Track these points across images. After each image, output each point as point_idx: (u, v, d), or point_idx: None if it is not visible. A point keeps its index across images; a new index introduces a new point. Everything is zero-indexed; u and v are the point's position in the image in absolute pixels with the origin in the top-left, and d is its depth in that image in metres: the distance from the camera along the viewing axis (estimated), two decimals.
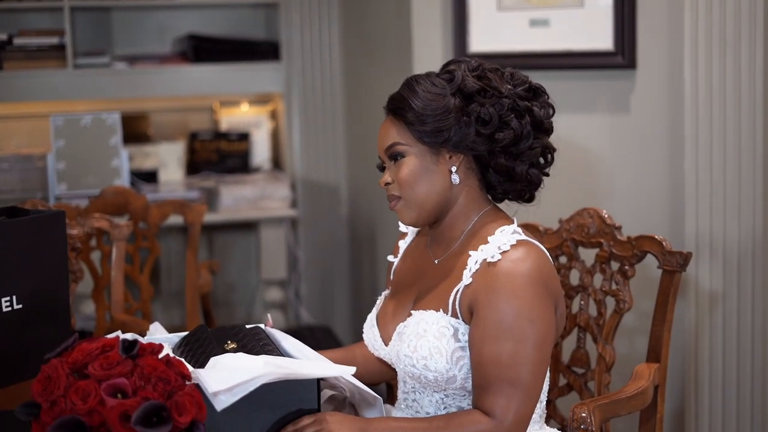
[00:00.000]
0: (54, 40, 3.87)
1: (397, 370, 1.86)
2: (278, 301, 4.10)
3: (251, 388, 1.53)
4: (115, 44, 4.17)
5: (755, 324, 2.62)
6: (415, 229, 1.96)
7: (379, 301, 1.95)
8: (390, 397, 2.08)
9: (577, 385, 2.17)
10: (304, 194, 4.14)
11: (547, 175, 1.83)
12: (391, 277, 1.96)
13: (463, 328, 1.73)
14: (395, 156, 1.78)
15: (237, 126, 4.26)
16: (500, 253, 1.71)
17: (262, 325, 1.85)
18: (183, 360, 1.53)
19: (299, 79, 4.09)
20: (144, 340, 1.51)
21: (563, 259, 2.22)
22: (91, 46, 4.11)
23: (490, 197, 1.84)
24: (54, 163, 3.62)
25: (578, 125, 2.82)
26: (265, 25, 4.29)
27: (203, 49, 4.06)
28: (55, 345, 1.48)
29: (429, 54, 3.05)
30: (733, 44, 2.55)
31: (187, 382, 1.45)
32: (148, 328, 1.94)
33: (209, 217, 3.84)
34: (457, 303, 1.74)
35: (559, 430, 1.91)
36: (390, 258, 1.99)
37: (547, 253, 1.76)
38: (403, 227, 1.96)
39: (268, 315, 1.95)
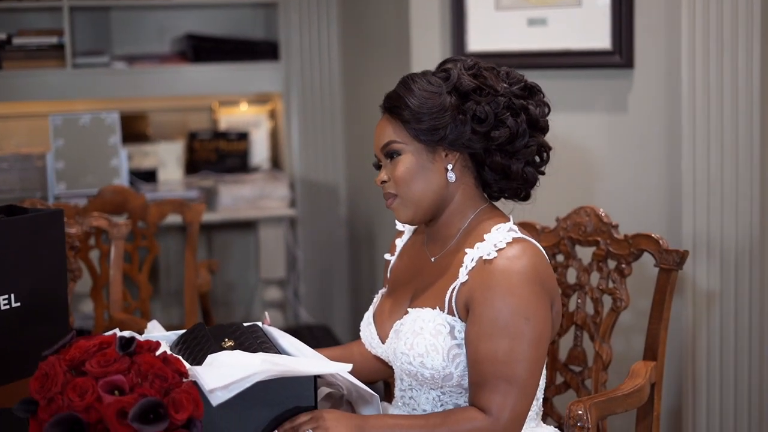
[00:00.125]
0: (53, 40, 3.87)
1: (393, 367, 1.86)
2: (277, 300, 4.11)
3: (248, 385, 1.54)
4: (115, 44, 4.17)
5: (752, 322, 2.63)
6: (412, 228, 1.97)
7: (376, 299, 1.96)
8: (387, 394, 2.09)
9: (574, 384, 2.18)
10: (303, 194, 4.14)
11: (543, 173, 1.84)
12: (388, 275, 1.97)
13: (459, 326, 1.74)
14: (391, 154, 1.79)
15: (236, 126, 4.26)
16: (496, 251, 1.72)
17: (259, 323, 1.86)
18: (180, 357, 1.54)
19: (298, 79, 4.10)
20: (142, 338, 1.52)
21: (560, 258, 2.22)
22: (91, 45, 4.11)
23: (486, 195, 1.85)
24: (53, 162, 3.62)
25: (576, 124, 2.82)
26: (264, 25, 4.29)
27: (202, 49, 4.06)
28: (53, 343, 1.49)
29: (427, 53, 3.05)
30: (730, 43, 2.56)
31: (184, 380, 1.46)
32: (146, 327, 1.94)
33: (208, 217, 3.84)
34: (453, 300, 1.74)
35: (556, 428, 1.91)
36: (387, 256, 1.99)
37: (543, 251, 1.77)
38: (399, 225, 1.97)
39: (266, 313, 1.96)
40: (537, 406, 1.84)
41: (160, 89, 4.04)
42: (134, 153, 4.02)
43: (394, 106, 1.77)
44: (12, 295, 1.80)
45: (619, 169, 2.79)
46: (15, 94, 3.90)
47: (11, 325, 1.80)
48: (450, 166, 1.78)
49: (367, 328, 1.92)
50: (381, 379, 2.02)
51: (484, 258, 1.72)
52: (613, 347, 2.14)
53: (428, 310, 1.76)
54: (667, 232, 2.66)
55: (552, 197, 2.59)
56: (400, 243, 1.98)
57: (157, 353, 1.47)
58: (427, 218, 1.82)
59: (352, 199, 4.13)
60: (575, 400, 1.83)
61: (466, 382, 1.74)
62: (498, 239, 1.73)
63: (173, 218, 3.18)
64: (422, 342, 1.74)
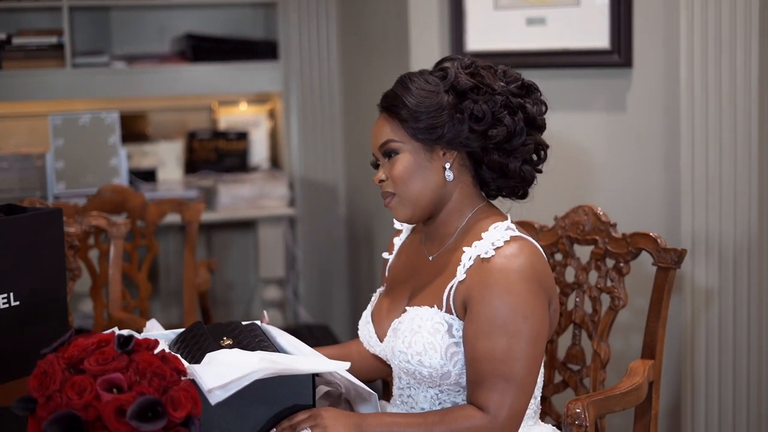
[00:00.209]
0: (53, 40, 3.88)
1: (392, 366, 1.86)
2: (276, 299, 4.11)
3: (246, 383, 1.54)
4: (114, 44, 4.18)
5: (751, 321, 2.63)
6: (410, 226, 1.97)
7: (374, 297, 1.96)
8: (386, 393, 2.09)
9: (572, 382, 2.18)
10: (303, 193, 4.15)
11: (540, 171, 1.84)
12: (386, 274, 1.97)
13: (457, 324, 1.74)
14: (389, 153, 1.79)
15: (235, 125, 4.27)
16: (494, 249, 1.72)
17: (258, 322, 1.86)
18: (179, 356, 1.54)
19: (297, 79, 4.10)
20: (140, 337, 1.52)
21: (558, 257, 2.23)
22: (90, 45, 4.12)
23: (483, 194, 1.85)
24: (53, 162, 3.63)
25: (575, 124, 2.83)
26: (263, 25, 4.30)
27: (202, 49, 4.06)
28: (52, 342, 1.49)
29: (426, 53, 3.06)
30: (728, 43, 2.56)
31: (183, 378, 1.46)
32: (145, 326, 1.94)
33: (208, 216, 3.85)
34: (451, 299, 1.75)
35: (554, 426, 1.92)
36: (385, 255, 2.00)
37: (541, 249, 1.77)
38: (397, 224, 1.98)
39: (265, 312, 1.96)
40: (535, 404, 1.85)
41: (159, 89, 4.04)
42: (134, 153, 4.03)
43: (391, 105, 1.78)
44: (11, 294, 1.81)
45: (618, 169, 2.79)
46: (15, 94, 3.90)
47: (10, 324, 1.81)
48: (448, 165, 1.78)
49: (365, 326, 1.92)
50: (379, 377, 2.02)
51: (481, 256, 1.72)
52: (611, 346, 2.14)
53: (426, 308, 1.76)
54: (666, 231, 2.67)
55: (551, 196, 2.59)
56: (398, 242, 1.98)
57: (156, 351, 1.47)
58: (425, 217, 1.82)
59: (352, 198, 4.14)
60: (573, 398, 1.83)
61: (464, 381, 1.75)
62: (496, 238, 1.74)
63: (173, 218, 3.18)
64: (420, 340, 1.74)
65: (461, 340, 1.73)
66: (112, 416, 1.37)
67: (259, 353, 1.63)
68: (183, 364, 1.48)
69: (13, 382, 1.83)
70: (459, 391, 1.77)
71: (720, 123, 2.59)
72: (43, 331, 1.84)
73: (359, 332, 1.95)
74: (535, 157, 1.83)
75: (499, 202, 1.88)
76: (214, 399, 1.53)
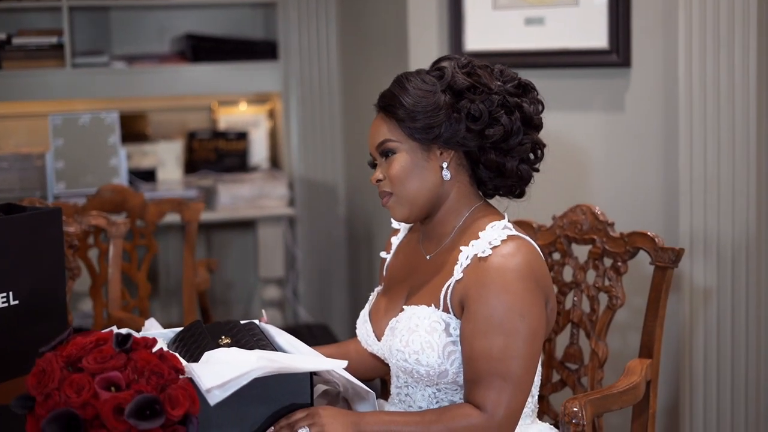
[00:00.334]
0: (53, 40, 3.88)
1: (389, 365, 1.87)
2: (276, 299, 4.12)
3: (244, 382, 1.55)
4: (114, 44, 4.18)
5: (749, 320, 2.64)
6: (408, 226, 1.98)
7: (372, 296, 1.97)
8: (384, 392, 2.09)
9: (570, 381, 2.18)
10: (302, 193, 4.15)
11: (537, 170, 1.85)
12: (384, 273, 1.98)
13: (454, 323, 1.75)
14: (386, 153, 1.79)
15: (235, 125, 4.28)
16: (491, 249, 1.73)
17: (256, 321, 1.86)
18: (177, 354, 1.54)
19: (297, 79, 4.11)
20: (139, 336, 1.53)
21: (556, 256, 2.23)
22: (90, 45, 4.12)
23: (480, 193, 1.86)
24: (53, 162, 3.63)
25: (573, 123, 2.83)
26: (263, 25, 4.30)
27: (201, 49, 4.07)
28: (51, 341, 1.49)
29: (425, 53, 3.06)
30: (726, 43, 2.56)
31: (181, 376, 1.47)
32: (143, 325, 1.95)
33: (207, 216, 3.86)
34: (448, 298, 1.75)
35: (552, 425, 1.92)
36: (382, 254, 2.00)
37: (538, 248, 1.78)
38: (395, 224, 1.98)
39: (263, 311, 1.97)
40: (533, 403, 1.85)
41: (159, 89, 4.05)
42: (133, 152, 4.03)
43: (388, 104, 1.78)
44: (10, 293, 1.81)
45: (617, 168, 2.80)
46: (15, 94, 3.91)
47: (9, 323, 1.81)
48: (445, 165, 1.78)
49: (363, 325, 1.93)
50: (377, 376, 2.03)
51: (479, 255, 1.73)
52: (609, 345, 2.15)
53: (423, 307, 1.77)
54: (665, 230, 2.67)
55: (550, 196, 2.60)
56: (395, 241, 1.99)
57: (154, 350, 1.48)
58: (423, 216, 1.83)
59: (351, 198, 4.14)
60: (571, 397, 1.83)
61: (461, 379, 1.75)
62: (493, 237, 1.74)
63: (172, 217, 3.19)
64: (417, 339, 1.74)
65: (458, 338, 1.74)
66: (110, 414, 1.38)
67: (257, 352, 1.63)
68: (181, 363, 1.49)
69: (12, 381, 1.83)
70: (456, 389, 1.78)
71: (718, 122, 2.60)
72: (42, 330, 1.84)
73: (357, 331, 1.95)
74: (532, 156, 1.83)
75: (497, 201, 1.89)
76: (213, 399, 1.54)
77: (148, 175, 4.02)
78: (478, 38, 2.96)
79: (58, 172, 3.63)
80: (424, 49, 3.09)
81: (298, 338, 1.79)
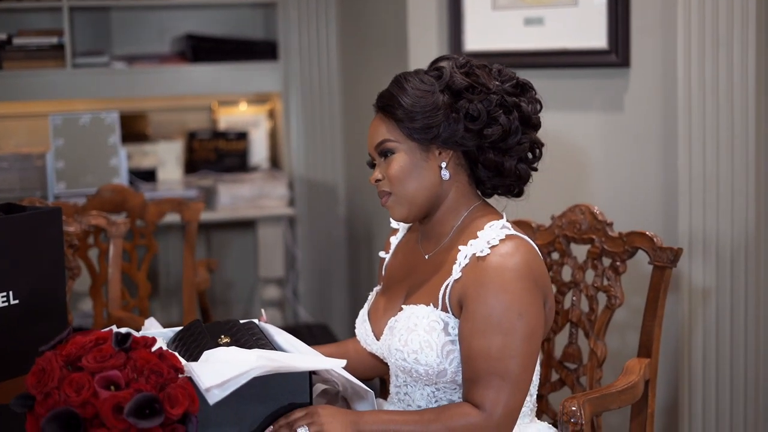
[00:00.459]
0: (53, 40, 3.89)
1: (388, 364, 1.88)
2: (276, 299, 4.12)
3: (243, 381, 1.55)
4: (114, 44, 4.19)
5: (748, 319, 2.64)
6: (406, 225, 1.98)
7: (371, 296, 1.98)
8: (383, 391, 2.10)
9: (569, 381, 2.19)
10: (302, 193, 4.16)
11: (536, 169, 1.85)
12: (383, 272, 1.98)
13: (453, 322, 1.75)
14: (385, 153, 1.80)
15: (235, 125, 4.28)
16: (489, 248, 1.73)
17: (256, 320, 1.87)
18: (176, 354, 1.55)
19: (297, 79, 4.12)
20: (138, 335, 1.53)
21: (555, 255, 2.24)
22: (90, 45, 4.13)
23: (479, 192, 1.86)
24: (53, 162, 3.64)
25: (572, 123, 2.84)
26: (263, 25, 4.31)
27: (202, 49, 4.08)
28: (51, 341, 1.50)
29: (425, 53, 3.07)
30: (725, 42, 2.57)
31: (180, 375, 1.47)
32: (143, 325, 1.95)
33: (207, 216, 3.86)
34: (446, 297, 1.76)
35: (551, 424, 1.93)
36: (381, 254, 2.01)
37: (536, 248, 1.78)
38: (394, 223, 1.99)
39: (262, 310, 1.97)
40: (531, 402, 1.86)
41: (159, 89, 4.06)
42: (134, 152, 4.04)
43: (387, 105, 1.78)
44: (10, 293, 1.82)
45: (616, 168, 2.80)
46: (15, 94, 3.91)
47: (9, 322, 1.82)
48: (444, 164, 1.79)
49: (362, 325, 1.93)
50: (377, 376, 2.03)
51: (477, 255, 1.73)
52: (607, 344, 2.15)
53: (422, 306, 1.77)
54: (664, 230, 2.68)
55: (549, 196, 2.60)
56: (394, 241, 1.99)
57: (153, 349, 1.48)
58: (422, 216, 1.83)
59: (351, 198, 4.15)
60: (569, 396, 1.84)
61: (460, 378, 1.76)
62: (491, 236, 1.75)
63: (172, 217, 3.19)
64: (416, 338, 1.75)
65: (457, 338, 1.74)
66: (110, 413, 1.38)
67: (256, 351, 1.63)
68: (180, 362, 1.49)
69: (12, 381, 1.83)
70: (455, 388, 1.78)
71: (717, 122, 2.60)
72: (42, 329, 1.85)
73: (356, 331, 1.96)
74: (530, 155, 1.84)
75: (495, 201, 1.89)
76: (212, 398, 1.54)
77: (148, 175, 4.03)
78: (478, 38, 2.97)
79: (59, 172, 3.64)
80: (423, 49, 3.09)
81: (297, 338, 1.79)
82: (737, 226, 2.61)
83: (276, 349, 1.73)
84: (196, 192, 3.86)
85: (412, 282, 1.85)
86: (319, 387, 1.84)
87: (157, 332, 1.86)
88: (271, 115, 4.37)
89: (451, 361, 1.74)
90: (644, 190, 2.75)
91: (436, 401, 1.80)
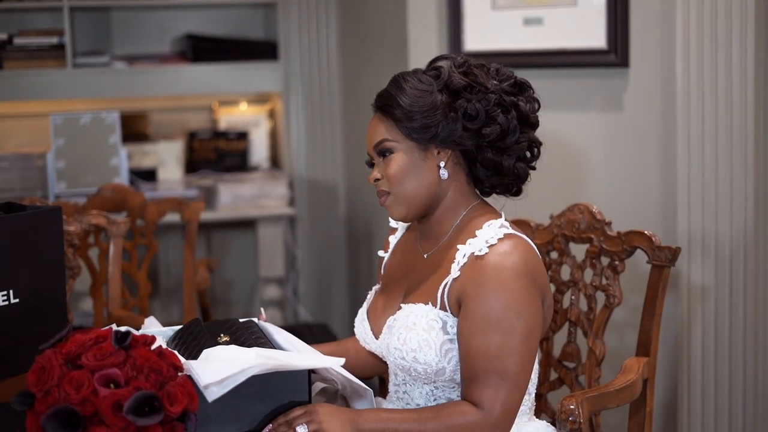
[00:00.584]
0: (54, 40, 3.90)
1: (387, 363, 1.88)
2: (276, 298, 4.13)
3: (242, 379, 1.56)
4: (115, 44, 4.19)
5: (747, 319, 2.64)
6: (405, 225, 1.99)
7: (370, 295, 1.98)
8: (382, 390, 2.10)
9: (568, 380, 2.19)
10: (302, 193, 4.17)
11: (534, 168, 1.86)
12: (382, 271, 1.99)
13: (451, 321, 1.76)
14: (384, 152, 1.81)
15: (235, 125, 4.29)
16: (488, 247, 1.74)
17: (255, 319, 1.87)
18: (176, 352, 1.56)
19: (297, 79, 4.12)
20: (138, 333, 1.54)
21: (554, 255, 2.24)
22: (91, 45, 4.14)
23: (477, 191, 1.87)
24: (53, 161, 3.64)
25: (572, 123, 2.84)
26: (263, 25, 4.31)
27: (202, 49, 4.08)
28: (51, 339, 1.50)
29: (425, 53, 3.07)
30: (724, 42, 2.57)
31: (179, 373, 1.48)
32: (143, 324, 1.96)
33: (208, 215, 3.87)
34: (445, 296, 1.76)
35: (549, 423, 1.93)
36: (380, 253, 2.01)
37: (534, 247, 1.79)
38: (393, 222, 1.99)
39: (262, 309, 1.98)
40: (530, 401, 1.86)
41: (160, 89, 4.06)
42: (134, 152, 4.05)
43: (385, 104, 1.79)
44: (11, 292, 1.82)
45: (615, 167, 2.80)
46: (16, 94, 3.92)
47: (9, 321, 1.82)
48: (442, 164, 1.79)
49: (361, 324, 1.94)
50: (376, 374, 2.04)
51: (475, 254, 1.74)
52: (606, 343, 2.15)
53: (421, 305, 1.78)
54: (662, 229, 2.68)
55: (548, 195, 2.61)
56: (393, 240, 2.00)
57: (153, 347, 1.49)
58: (420, 215, 1.84)
59: (351, 198, 4.15)
60: (567, 395, 1.84)
61: (458, 377, 1.76)
62: (489, 235, 1.75)
63: (173, 217, 3.20)
64: (415, 337, 1.75)
65: (456, 336, 1.75)
66: (109, 411, 1.39)
67: (255, 349, 1.64)
68: (179, 360, 1.50)
69: (12, 379, 1.84)
70: (454, 387, 1.79)
71: (716, 122, 2.61)
72: (42, 328, 1.85)
73: (355, 329, 1.96)
74: (528, 154, 1.84)
75: (494, 200, 1.90)
76: (211, 396, 1.55)
77: (148, 175, 4.04)
78: (477, 38, 2.97)
79: (59, 171, 3.65)
80: (423, 49, 3.10)
81: (297, 337, 1.80)
82: (736, 225, 2.62)
83: (275, 348, 1.74)
84: (197, 192, 3.86)
85: (410, 281, 1.86)
86: (318, 385, 1.84)
87: (157, 331, 1.87)
88: (272, 115, 4.38)
89: (450, 359, 1.75)
90: (643, 189, 2.76)
91: (434, 400, 1.81)
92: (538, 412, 2.12)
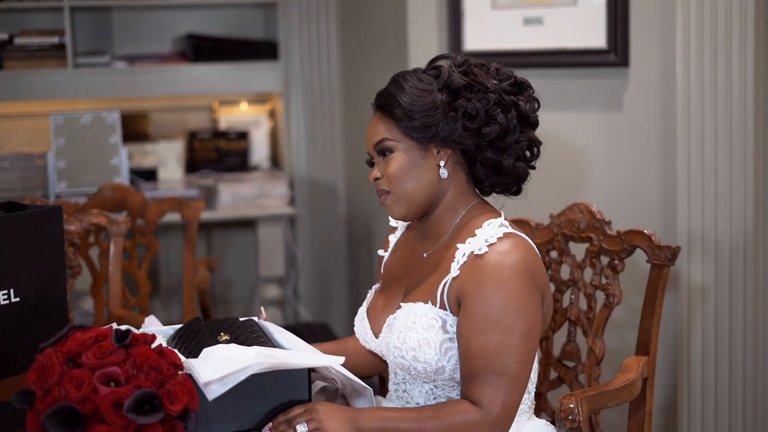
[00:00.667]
0: (54, 40, 3.90)
1: (387, 361, 1.88)
2: (276, 298, 4.13)
3: (242, 378, 1.56)
4: (115, 44, 4.20)
5: (746, 318, 2.65)
6: (405, 224, 1.99)
7: (370, 294, 1.98)
8: (382, 389, 2.11)
9: (567, 379, 2.19)
10: (302, 192, 4.17)
11: (534, 168, 1.86)
12: (382, 270, 1.99)
13: (451, 320, 1.76)
14: (384, 151, 1.81)
15: (236, 125, 4.29)
16: (487, 246, 1.74)
17: (255, 318, 1.88)
18: (176, 351, 1.56)
19: (297, 79, 4.13)
20: (138, 332, 1.54)
21: (554, 254, 2.24)
22: (91, 45, 4.14)
23: (477, 191, 1.87)
24: (54, 161, 3.65)
25: (572, 123, 2.84)
26: (263, 25, 4.32)
27: (202, 49, 4.09)
28: (51, 338, 1.51)
29: (425, 52, 3.07)
30: (724, 42, 2.58)
31: (179, 372, 1.48)
32: (143, 323, 1.96)
33: (208, 215, 3.87)
34: (445, 295, 1.76)
35: (549, 422, 1.93)
36: (380, 252, 2.02)
37: (534, 246, 1.79)
38: (392, 222, 2.00)
39: (262, 308, 1.98)
40: (529, 400, 1.86)
41: (160, 89, 4.07)
42: (135, 152, 4.05)
43: (385, 104, 1.79)
44: (11, 291, 1.82)
45: (615, 167, 2.81)
46: (16, 94, 3.92)
47: (10, 320, 1.82)
48: (442, 163, 1.80)
49: (361, 323, 1.94)
50: (376, 373, 2.04)
51: (475, 253, 1.74)
52: (606, 343, 2.16)
53: (420, 304, 1.78)
54: (662, 229, 2.69)
55: (548, 195, 2.61)
56: (393, 239, 2.00)
57: (153, 346, 1.49)
58: (420, 214, 1.84)
59: (351, 197, 4.16)
60: (567, 394, 1.84)
61: (458, 376, 1.76)
62: (489, 234, 1.75)
63: (173, 216, 3.20)
64: (415, 336, 1.76)
65: (455, 335, 1.75)
66: (110, 409, 1.39)
67: (255, 348, 1.64)
68: (180, 359, 1.50)
69: (13, 378, 1.84)
70: (453, 386, 1.79)
71: (716, 121, 2.61)
72: (43, 327, 1.85)
73: (355, 328, 1.97)
74: (528, 153, 1.84)
75: (493, 199, 1.90)
76: (211, 394, 1.55)
77: (149, 175, 4.04)
78: (477, 38, 2.98)
79: (60, 171, 3.65)
80: (423, 49, 3.10)
81: (297, 337, 1.80)
82: (735, 224, 2.62)
83: (275, 347, 1.74)
84: (197, 191, 3.87)
85: (410, 280, 1.86)
86: (318, 384, 1.85)
87: (157, 330, 1.87)
88: (272, 114, 4.38)
89: (450, 358, 1.75)
90: (643, 189, 2.76)
91: (434, 398, 1.81)
92: (538, 411, 2.13)
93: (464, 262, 1.75)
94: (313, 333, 3.86)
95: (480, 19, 2.96)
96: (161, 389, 1.43)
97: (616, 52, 2.74)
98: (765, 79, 2.63)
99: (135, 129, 4.16)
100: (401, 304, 1.82)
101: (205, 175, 4.16)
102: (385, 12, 3.55)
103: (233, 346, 1.66)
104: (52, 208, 1.92)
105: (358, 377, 1.77)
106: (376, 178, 1.82)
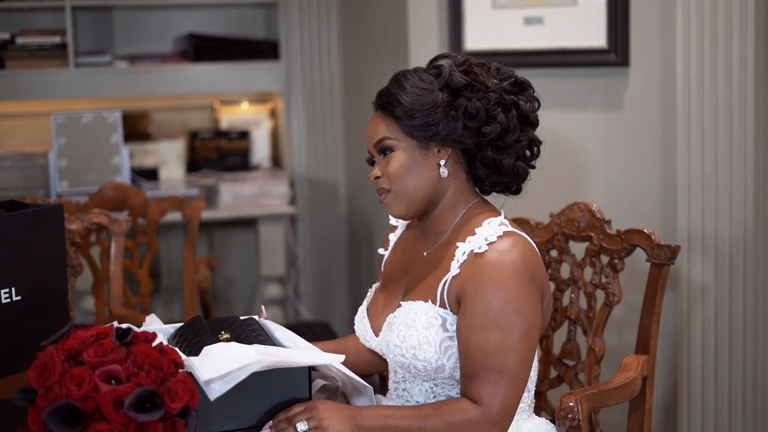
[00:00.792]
0: (56, 40, 3.90)
1: (387, 360, 1.89)
2: (277, 297, 4.13)
3: (243, 376, 1.57)
4: (117, 43, 4.20)
5: (746, 317, 2.65)
6: (405, 222, 1.99)
7: (370, 293, 1.99)
8: (382, 387, 2.11)
9: (567, 377, 2.20)
10: (303, 192, 4.17)
11: (534, 167, 1.87)
12: (382, 269, 2.00)
13: (451, 318, 1.76)
14: (384, 150, 1.81)
15: (237, 124, 4.30)
16: (487, 245, 1.74)
17: (256, 317, 1.88)
18: (177, 349, 1.56)
19: (298, 78, 4.13)
20: (139, 330, 1.54)
21: (554, 253, 2.25)
22: (93, 45, 4.14)
23: (477, 190, 1.87)
24: (55, 160, 3.65)
25: (572, 122, 2.85)
26: (264, 25, 4.32)
27: (203, 49, 4.09)
28: (52, 335, 1.51)
29: (425, 52, 3.07)
30: (724, 42, 2.58)
31: (180, 370, 1.49)
32: (144, 321, 1.97)
33: (209, 214, 3.87)
34: (445, 293, 1.77)
35: (549, 421, 1.94)
36: (380, 251, 2.02)
37: (534, 245, 1.80)
38: (393, 220, 2.00)
39: (262, 307, 1.98)
40: (529, 398, 1.87)
41: (161, 88, 4.07)
42: (136, 151, 4.05)
43: (386, 102, 1.80)
44: (13, 289, 1.82)
45: (615, 166, 2.81)
46: (18, 93, 3.93)
47: (11, 319, 1.83)
48: (442, 162, 1.80)
49: (361, 321, 1.94)
50: (376, 372, 2.04)
51: (475, 251, 1.75)
52: (606, 341, 2.16)
53: (420, 303, 1.79)
54: (662, 228, 2.69)
55: (548, 194, 2.62)
56: (393, 238, 2.01)
57: (153, 344, 1.49)
58: (420, 213, 1.84)
59: (352, 196, 4.16)
60: (567, 392, 1.85)
61: (458, 374, 1.77)
62: (489, 233, 1.76)
63: (174, 215, 3.20)
64: (415, 334, 1.76)
65: (455, 334, 1.76)
66: (110, 407, 1.39)
67: (256, 346, 1.65)
68: (180, 357, 1.51)
69: (13, 376, 1.84)
70: (453, 384, 1.80)
71: (716, 121, 2.61)
72: (44, 326, 1.85)
73: (355, 327, 1.97)
74: (528, 153, 1.85)
75: (493, 198, 1.90)
76: (212, 393, 1.55)
77: (150, 174, 4.04)
78: (478, 38, 2.98)
79: (61, 170, 3.66)
80: (423, 48, 3.11)
81: (298, 335, 1.80)
82: (735, 223, 2.62)
83: (276, 345, 1.74)
84: (198, 190, 3.87)
85: (410, 278, 1.87)
86: (318, 382, 1.85)
87: (158, 328, 1.88)
88: (273, 114, 4.39)
89: (449, 357, 1.76)
90: (643, 188, 2.76)
91: (434, 397, 1.81)
92: (538, 410, 2.13)
93: (464, 261, 1.75)
94: (313, 332, 3.86)
95: (480, 18, 2.96)
96: (162, 387, 1.43)
97: (616, 51, 2.75)
98: (765, 79, 2.63)
99: (136, 128, 4.16)
100: (401, 302, 1.83)
101: (206, 175, 4.16)
102: (386, 12, 3.56)
103: (234, 344, 1.67)
104: (54, 207, 1.92)
105: (358, 376, 1.78)
106: (377, 177, 1.83)
